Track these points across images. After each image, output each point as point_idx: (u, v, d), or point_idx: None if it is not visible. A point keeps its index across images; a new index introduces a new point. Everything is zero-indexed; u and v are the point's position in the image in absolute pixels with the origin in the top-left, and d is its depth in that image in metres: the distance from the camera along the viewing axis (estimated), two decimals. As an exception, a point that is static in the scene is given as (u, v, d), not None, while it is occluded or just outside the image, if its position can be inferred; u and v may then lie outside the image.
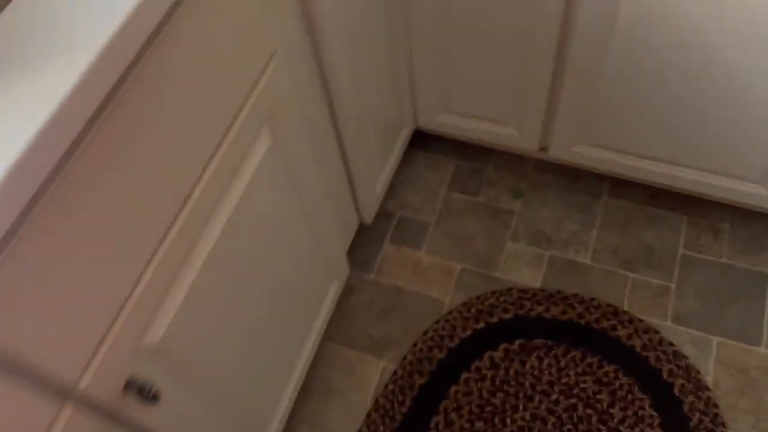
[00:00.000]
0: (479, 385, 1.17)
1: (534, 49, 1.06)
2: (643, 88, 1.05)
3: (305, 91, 0.86)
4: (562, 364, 1.17)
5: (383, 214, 1.38)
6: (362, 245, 1.34)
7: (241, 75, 0.66)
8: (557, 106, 1.16)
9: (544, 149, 1.29)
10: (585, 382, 1.15)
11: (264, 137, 0.72)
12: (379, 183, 1.26)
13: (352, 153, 1.05)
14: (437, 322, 1.24)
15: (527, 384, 1.16)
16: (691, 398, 1.12)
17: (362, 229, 1.30)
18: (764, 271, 1.24)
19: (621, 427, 1.11)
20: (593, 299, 1.24)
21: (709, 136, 1.09)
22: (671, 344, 1.18)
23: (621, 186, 1.37)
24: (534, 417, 1.13)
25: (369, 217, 1.25)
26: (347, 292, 1.29)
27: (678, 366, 1.16)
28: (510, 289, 1.27)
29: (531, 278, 1.28)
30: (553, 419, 1.12)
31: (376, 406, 1.16)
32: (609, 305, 1.23)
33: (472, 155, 1.44)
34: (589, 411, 1.13)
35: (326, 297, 1.10)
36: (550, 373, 1.17)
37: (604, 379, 1.15)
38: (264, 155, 0.72)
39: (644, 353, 1.17)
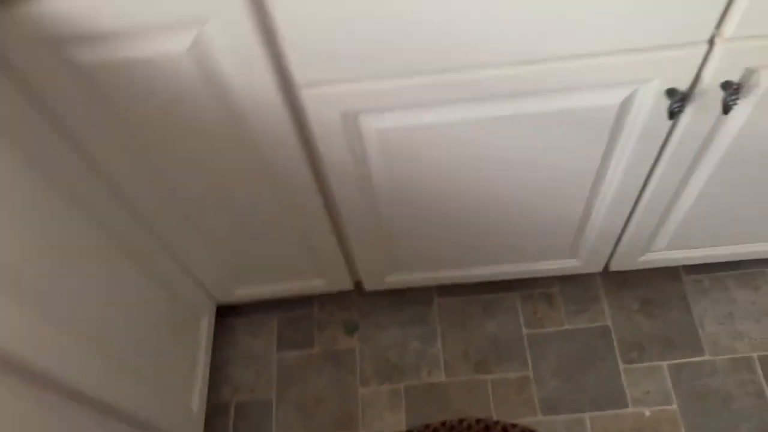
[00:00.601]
0: None
1: (304, 217, 0.95)
2: (424, 219, 0.98)
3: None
4: None
5: (217, 410, 1.21)
6: (205, 461, 1.16)
7: None
8: (352, 253, 1.06)
9: (359, 286, 1.20)
10: None
11: None
12: (194, 396, 1.09)
13: (138, 414, 0.87)
14: None
15: None
16: (586, 494, 1.09)
17: (198, 445, 1.12)
18: (604, 324, 1.24)
19: None
20: (462, 420, 1.17)
21: (506, 242, 1.05)
22: (550, 440, 1.14)
23: (448, 285, 1.31)
24: None
25: (198, 439, 1.08)
26: None
27: (563, 463, 1.12)
28: (378, 445, 1.16)
29: (395, 421, 1.18)
30: None
31: None
32: (479, 420, 1.17)
33: (292, 302, 1.31)
34: None
35: None
36: None
37: None
38: None
39: (529, 462, 1.12)
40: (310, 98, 0.71)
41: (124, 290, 0.88)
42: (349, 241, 1.02)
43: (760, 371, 1.17)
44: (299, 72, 0.68)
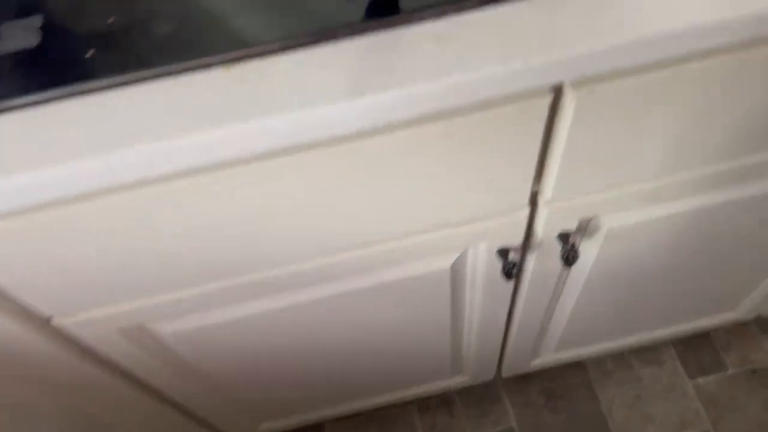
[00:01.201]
0: None
1: (134, 408, 0.81)
2: (278, 381, 0.86)
3: None
4: None
5: None
6: None
7: None
8: (207, 418, 0.93)
9: (231, 438, 1.06)
10: None
11: None
12: None
13: None
14: None
15: None
16: None
17: None
18: (509, 426, 1.15)
19: None
20: None
21: (380, 378, 0.93)
22: None
23: (338, 405, 1.19)
24: None
25: None
26: None
27: None
28: None
29: None
30: None
31: None
32: None
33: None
34: None
35: None
36: None
37: None
38: None
39: None
40: (72, 326, 0.58)
41: None
42: (195, 411, 0.89)
43: (674, 457, 1.10)
44: (43, 306, 0.55)
